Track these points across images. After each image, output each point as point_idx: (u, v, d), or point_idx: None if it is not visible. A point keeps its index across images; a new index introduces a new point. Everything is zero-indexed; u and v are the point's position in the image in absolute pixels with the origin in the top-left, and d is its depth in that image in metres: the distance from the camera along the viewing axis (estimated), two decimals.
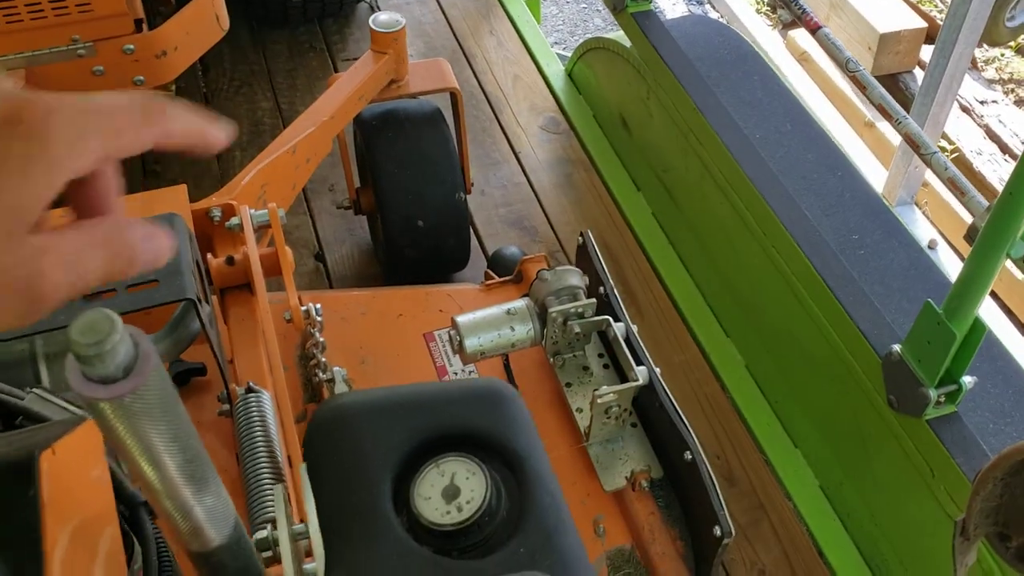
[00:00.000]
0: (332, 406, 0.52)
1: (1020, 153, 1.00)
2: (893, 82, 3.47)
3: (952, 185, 1.19)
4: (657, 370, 1.33)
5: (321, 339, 1.28)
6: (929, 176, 2.96)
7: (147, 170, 2.15)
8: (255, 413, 1.09)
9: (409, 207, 1.69)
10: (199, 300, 1.02)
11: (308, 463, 0.52)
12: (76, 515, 0.40)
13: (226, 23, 1.92)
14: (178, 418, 0.35)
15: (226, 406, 1.14)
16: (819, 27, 1.39)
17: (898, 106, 1.28)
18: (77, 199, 0.43)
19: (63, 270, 0.38)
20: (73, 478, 0.42)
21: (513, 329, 1.39)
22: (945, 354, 1.21)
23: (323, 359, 1.29)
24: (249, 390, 1.12)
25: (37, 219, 0.37)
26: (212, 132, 0.46)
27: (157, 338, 1.05)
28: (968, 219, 2.88)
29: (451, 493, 0.47)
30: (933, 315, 1.21)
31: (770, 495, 1.60)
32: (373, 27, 1.67)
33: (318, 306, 1.25)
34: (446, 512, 0.46)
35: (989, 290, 1.16)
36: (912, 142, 1.23)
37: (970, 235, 1.10)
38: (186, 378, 1.27)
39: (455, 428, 0.50)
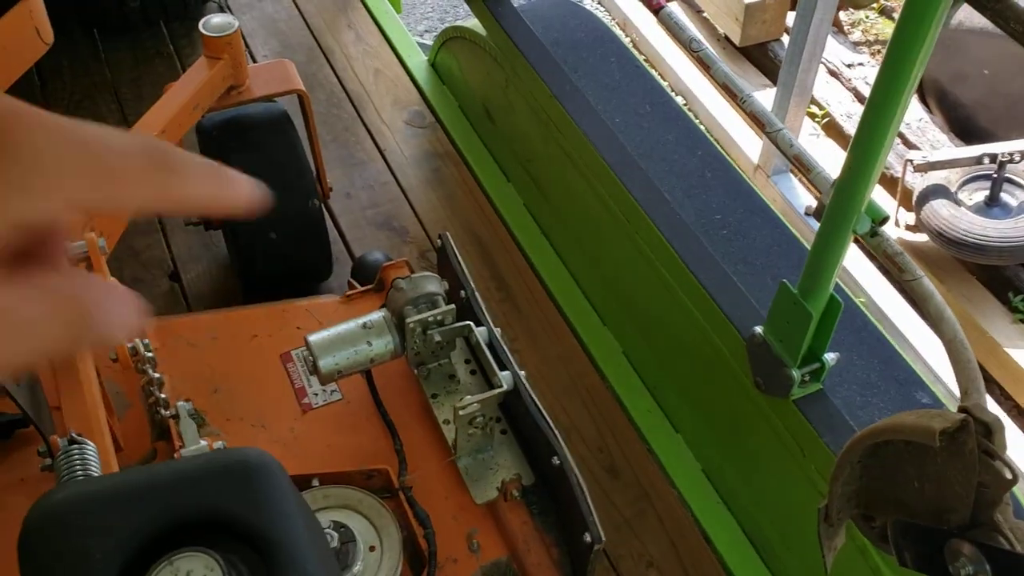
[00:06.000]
0: (42, 507, 0.44)
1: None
2: (763, 51, 3.50)
3: (798, 162, 1.17)
4: (522, 373, 1.29)
5: (156, 375, 1.19)
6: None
7: None
8: (78, 467, 1.01)
9: (258, 219, 1.60)
10: None
11: None
12: None
13: (49, 36, 1.78)
14: None
15: (48, 460, 1.05)
16: (662, 6, 1.36)
17: (742, 84, 1.25)
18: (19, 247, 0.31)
19: (5, 336, 0.27)
20: None
21: (370, 344, 1.32)
22: (804, 334, 1.20)
23: (162, 396, 1.20)
24: (72, 441, 1.03)
25: None
26: (236, 194, 0.33)
27: None
28: None
29: None
30: (788, 295, 1.19)
31: (655, 484, 1.57)
32: (204, 32, 1.57)
33: (145, 341, 1.15)
34: None
35: (840, 266, 1.14)
36: (757, 120, 1.20)
37: (817, 212, 1.08)
38: (9, 431, 1.17)
39: (193, 515, 0.44)
